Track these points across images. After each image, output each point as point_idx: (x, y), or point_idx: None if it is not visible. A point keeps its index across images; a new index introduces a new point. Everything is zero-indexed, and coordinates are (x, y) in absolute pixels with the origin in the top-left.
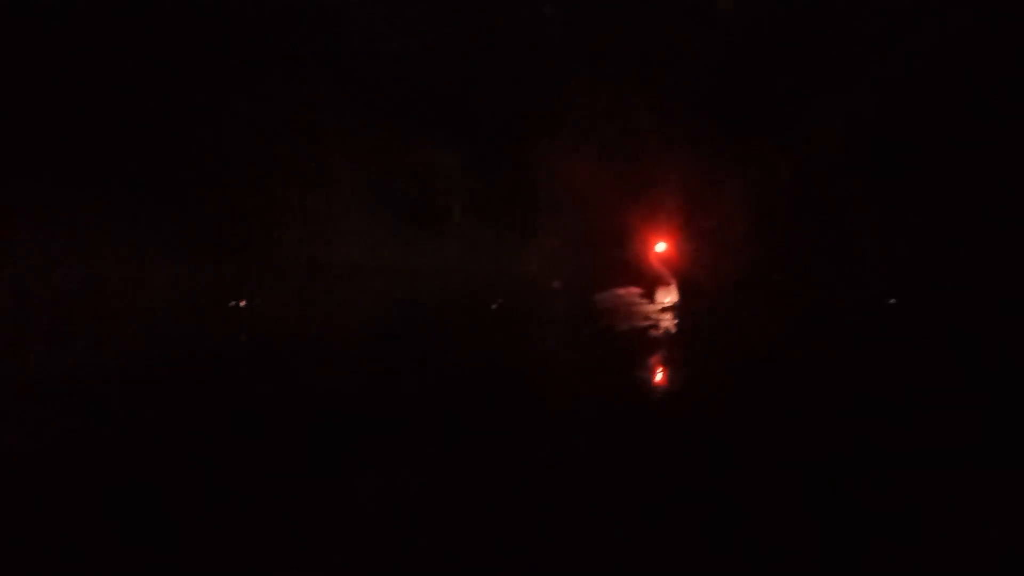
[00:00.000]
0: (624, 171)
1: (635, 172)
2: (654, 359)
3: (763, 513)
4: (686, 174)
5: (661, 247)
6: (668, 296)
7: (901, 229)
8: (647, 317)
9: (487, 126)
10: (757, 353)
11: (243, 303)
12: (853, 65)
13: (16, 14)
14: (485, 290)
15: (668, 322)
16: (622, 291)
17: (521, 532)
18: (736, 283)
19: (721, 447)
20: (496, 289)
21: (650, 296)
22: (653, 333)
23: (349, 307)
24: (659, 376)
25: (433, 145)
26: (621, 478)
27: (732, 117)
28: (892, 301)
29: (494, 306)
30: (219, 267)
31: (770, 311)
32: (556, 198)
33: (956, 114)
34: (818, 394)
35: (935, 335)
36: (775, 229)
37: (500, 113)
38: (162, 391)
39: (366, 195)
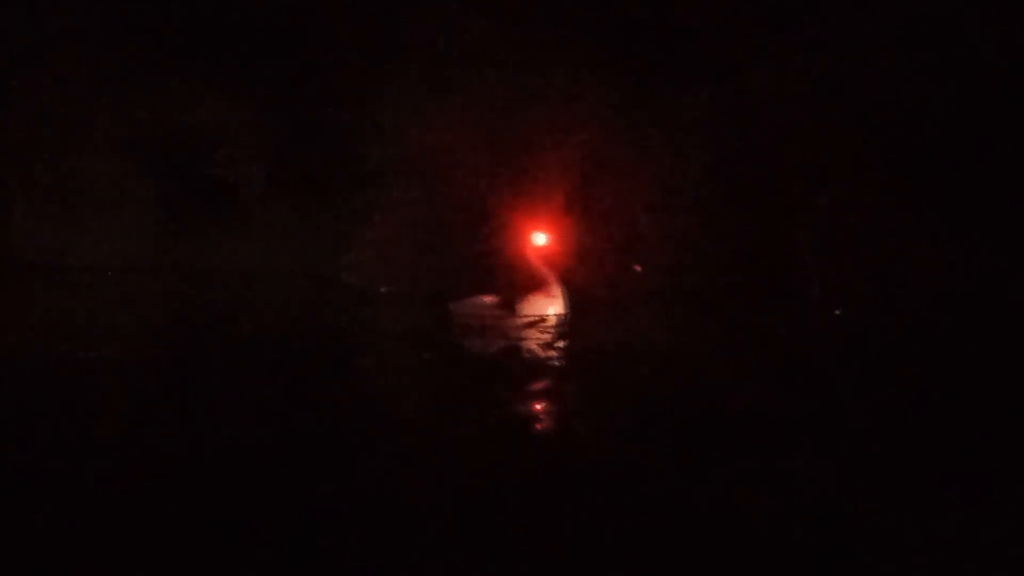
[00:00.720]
0: (492, 136)
1: (507, 138)
2: (518, 409)
3: None
4: (578, 144)
5: (541, 240)
6: (551, 306)
7: (847, 224)
8: (519, 336)
9: (297, 70)
10: (670, 398)
11: None
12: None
13: None
14: (279, 300)
15: (548, 343)
16: (488, 298)
17: None
18: (640, 291)
19: None
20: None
21: (525, 306)
22: (524, 360)
23: (66, 328)
24: (513, 449)
25: (218, 97)
26: None
27: (639, 70)
28: (837, 312)
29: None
30: None
31: (687, 329)
32: (395, 172)
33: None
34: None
35: (894, 354)
36: (692, 222)
37: (316, 53)
38: None
39: (118, 167)
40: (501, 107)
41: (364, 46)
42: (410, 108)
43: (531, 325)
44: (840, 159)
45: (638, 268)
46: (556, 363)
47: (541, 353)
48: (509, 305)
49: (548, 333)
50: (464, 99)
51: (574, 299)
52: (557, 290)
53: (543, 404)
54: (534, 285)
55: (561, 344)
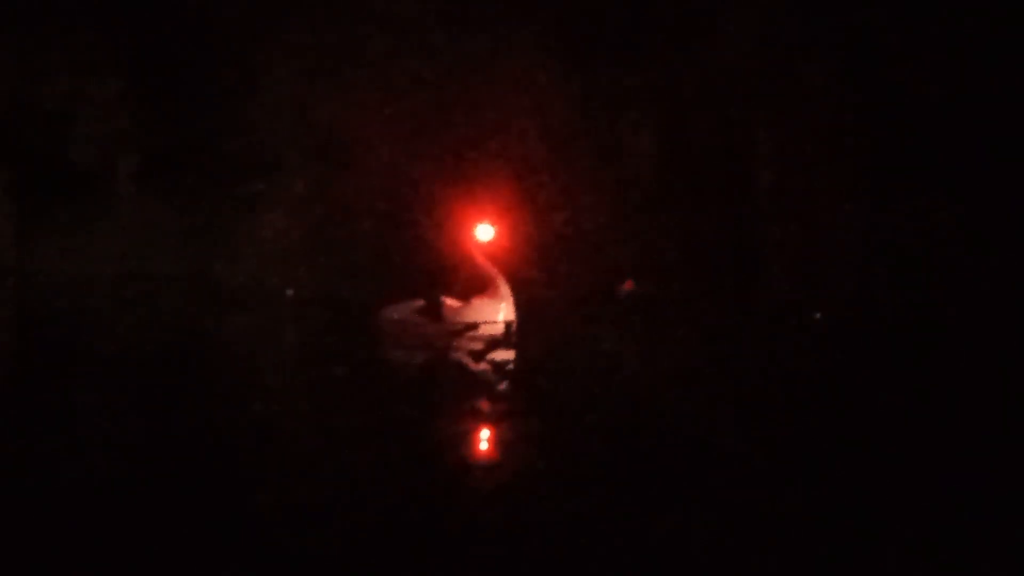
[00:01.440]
0: (418, 115)
1: (442, 114)
2: (433, 437)
3: None
4: (526, 121)
5: (482, 235)
6: (499, 310)
7: (824, 217)
8: (451, 347)
9: (173, 34)
10: (623, 428)
11: None
12: None
13: None
14: (154, 308)
15: (482, 355)
16: (416, 303)
17: None
18: (594, 292)
19: None
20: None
21: (460, 311)
22: (452, 377)
23: None
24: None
25: (76, 68)
26: None
27: (585, 38)
28: (817, 316)
29: None
30: None
31: (646, 337)
32: (300, 157)
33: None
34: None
35: (884, 363)
36: (652, 213)
37: (196, 13)
38: None
39: None
40: (427, 82)
41: (257, 4)
42: (316, 80)
43: (465, 333)
44: (813, 143)
45: (628, 286)
46: (489, 380)
47: (473, 368)
48: (441, 310)
49: (483, 343)
50: (382, 71)
51: (518, 303)
52: (499, 292)
53: (465, 431)
54: (471, 287)
55: (496, 357)
